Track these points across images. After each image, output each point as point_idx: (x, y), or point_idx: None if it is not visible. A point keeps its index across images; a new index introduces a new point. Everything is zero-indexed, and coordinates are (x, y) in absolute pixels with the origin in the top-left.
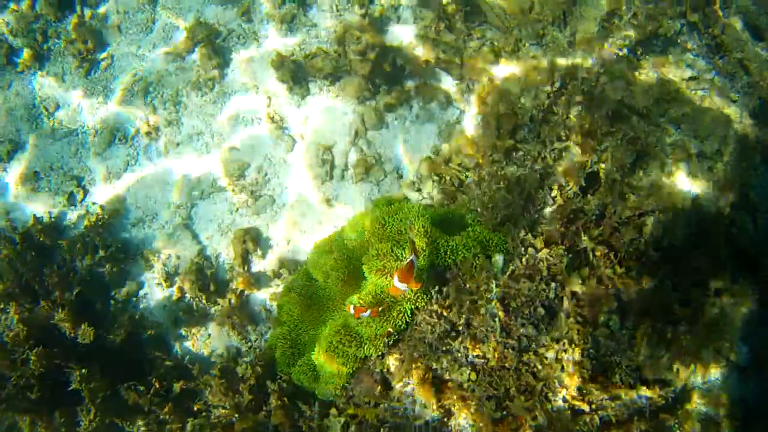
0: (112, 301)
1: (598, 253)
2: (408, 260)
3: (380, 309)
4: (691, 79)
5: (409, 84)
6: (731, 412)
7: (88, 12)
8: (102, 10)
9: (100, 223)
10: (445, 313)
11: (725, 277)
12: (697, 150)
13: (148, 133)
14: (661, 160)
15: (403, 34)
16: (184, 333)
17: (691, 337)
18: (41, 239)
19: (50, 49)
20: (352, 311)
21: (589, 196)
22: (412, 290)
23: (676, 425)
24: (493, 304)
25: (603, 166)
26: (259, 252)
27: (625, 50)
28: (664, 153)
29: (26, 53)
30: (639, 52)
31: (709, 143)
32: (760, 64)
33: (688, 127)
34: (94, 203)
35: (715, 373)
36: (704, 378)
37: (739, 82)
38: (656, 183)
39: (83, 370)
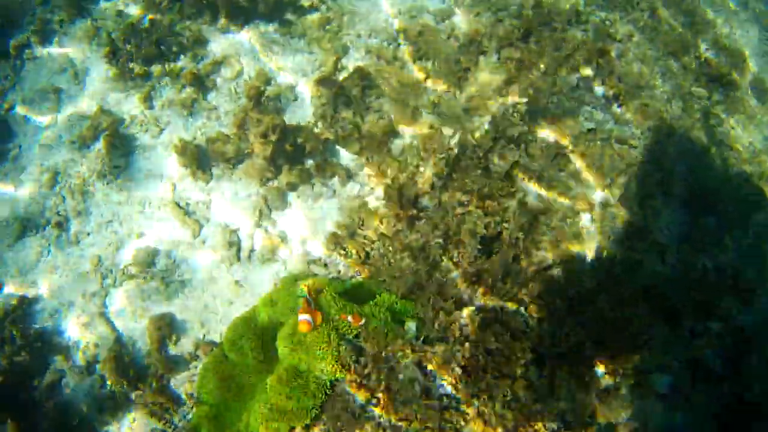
0: (36, 392)
1: (509, 307)
2: (303, 298)
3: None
4: (590, 131)
5: (310, 162)
6: None
7: None
8: (9, 98)
9: (15, 314)
10: (364, 382)
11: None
12: (600, 199)
13: (58, 224)
14: (564, 213)
15: (301, 113)
16: (109, 419)
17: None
18: None
19: None
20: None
21: (493, 256)
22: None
23: None
24: (410, 369)
25: (506, 226)
26: (174, 337)
27: (517, 115)
28: (567, 207)
29: None
30: (536, 111)
31: (610, 190)
32: (659, 106)
33: (588, 178)
34: (9, 294)
35: (638, 405)
36: (628, 413)
37: (638, 128)
38: (559, 236)
39: None
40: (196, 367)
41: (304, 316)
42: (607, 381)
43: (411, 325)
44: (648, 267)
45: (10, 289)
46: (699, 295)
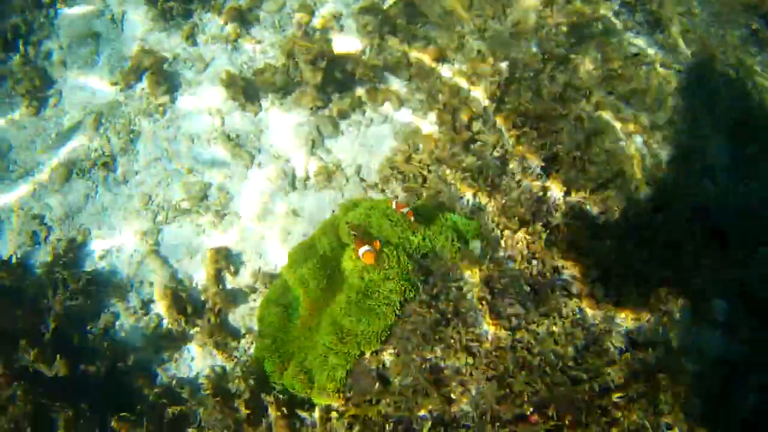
0: (89, 335)
1: (572, 229)
2: (352, 235)
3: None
4: (635, 55)
5: (360, 90)
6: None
7: (32, 51)
8: (45, 47)
9: (66, 258)
10: (433, 302)
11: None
12: (650, 122)
13: (104, 165)
14: (615, 134)
15: (348, 42)
16: (166, 358)
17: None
18: (7, 283)
19: None
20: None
21: (553, 173)
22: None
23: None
24: (479, 288)
25: (560, 146)
26: (232, 269)
27: (561, 37)
28: (617, 128)
29: None
30: (582, 35)
31: (660, 114)
32: (699, 32)
33: (638, 101)
34: (58, 240)
35: (695, 331)
36: (687, 338)
37: (681, 53)
38: (613, 155)
39: (69, 412)
40: (255, 300)
41: (365, 248)
42: (667, 305)
43: (476, 244)
44: (699, 189)
45: (58, 234)
46: (748, 222)
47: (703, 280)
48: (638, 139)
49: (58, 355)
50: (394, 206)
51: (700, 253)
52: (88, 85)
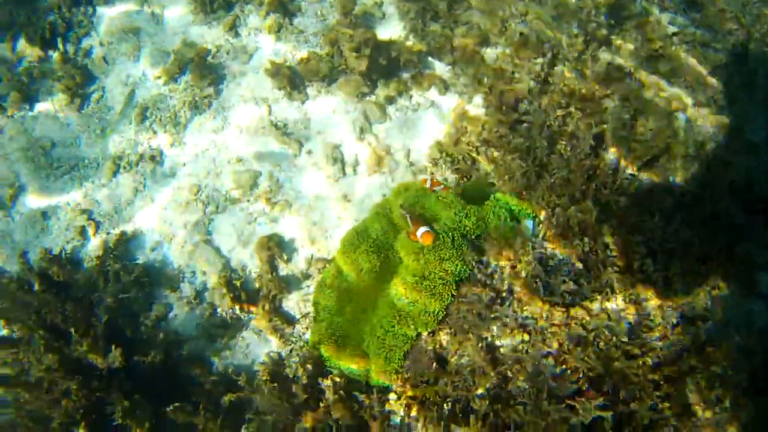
0: (142, 327)
1: (622, 204)
2: (407, 217)
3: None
4: (674, 35)
5: (405, 75)
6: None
7: (71, 48)
8: (85, 44)
9: (116, 251)
10: (488, 282)
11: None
12: (693, 100)
13: (152, 158)
14: (660, 112)
15: (390, 29)
16: (221, 346)
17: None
18: (59, 277)
19: (38, 89)
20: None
21: (601, 151)
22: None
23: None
24: (533, 266)
25: (605, 126)
26: (285, 256)
27: (602, 17)
28: (661, 106)
29: (13, 96)
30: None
31: (701, 92)
32: (736, 11)
33: (679, 80)
34: (108, 233)
35: (742, 304)
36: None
37: (719, 32)
38: (658, 133)
39: (125, 403)
40: (308, 287)
41: (423, 229)
42: (715, 280)
43: (528, 223)
44: (742, 166)
45: (107, 227)
46: None
47: (749, 254)
48: (681, 116)
49: (113, 346)
50: (429, 184)
51: (745, 228)
52: (131, 80)
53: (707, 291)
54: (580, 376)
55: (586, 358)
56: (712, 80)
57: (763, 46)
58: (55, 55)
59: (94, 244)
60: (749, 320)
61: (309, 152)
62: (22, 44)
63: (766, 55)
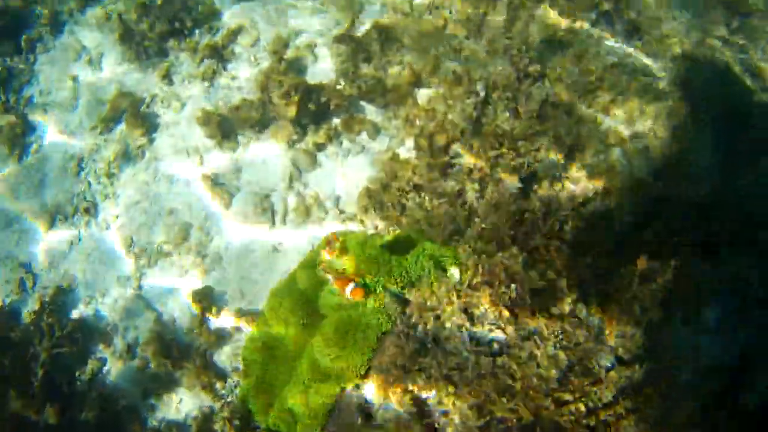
0: (77, 382)
1: (551, 249)
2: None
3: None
4: (614, 65)
5: (336, 120)
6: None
7: (12, 97)
8: (26, 93)
9: (52, 305)
10: (411, 333)
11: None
12: (630, 132)
13: (86, 210)
14: (595, 148)
15: (322, 72)
16: (155, 402)
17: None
18: None
19: None
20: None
21: (531, 194)
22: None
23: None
24: (458, 315)
25: (538, 164)
26: (215, 310)
27: (534, 52)
28: (597, 141)
29: None
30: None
31: (640, 123)
32: (679, 37)
33: (618, 111)
34: (45, 287)
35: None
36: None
37: (660, 59)
38: (595, 169)
39: None
40: (239, 340)
41: (351, 285)
42: (655, 315)
43: (454, 271)
44: (685, 196)
45: (43, 281)
46: (735, 223)
47: (696, 284)
48: (618, 151)
49: (48, 405)
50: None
51: (693, 263)
52: (68, 130)
53: (647, 328)
54: (509, 426)
55: (513, 407)
56: (652, 110)
57: (710, 70)
58: None
59: (33, 298)
60: (696, 355)
61: (239, 202)
62: None
63: (712, 81)
